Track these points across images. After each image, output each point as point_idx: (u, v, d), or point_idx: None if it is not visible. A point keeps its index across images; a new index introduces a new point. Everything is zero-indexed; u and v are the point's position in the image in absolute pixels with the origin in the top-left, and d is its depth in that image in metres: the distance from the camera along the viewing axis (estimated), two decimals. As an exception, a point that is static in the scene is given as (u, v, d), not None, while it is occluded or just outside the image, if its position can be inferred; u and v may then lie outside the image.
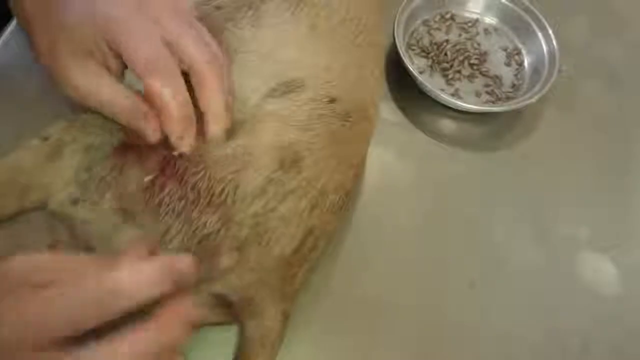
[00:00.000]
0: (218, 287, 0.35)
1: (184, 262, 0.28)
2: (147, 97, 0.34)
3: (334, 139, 0.38)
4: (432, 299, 0.46)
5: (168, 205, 0.33)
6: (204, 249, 0.33)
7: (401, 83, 0.56)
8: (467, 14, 0.62)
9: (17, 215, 0.36)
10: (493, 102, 0.57)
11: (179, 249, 0.33)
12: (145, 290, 0.26)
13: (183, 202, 0.33)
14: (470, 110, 0.55)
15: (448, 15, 0.61)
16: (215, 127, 0.35)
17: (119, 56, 0.35)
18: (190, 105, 0.34)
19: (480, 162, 0.54)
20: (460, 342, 0.45)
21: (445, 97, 0.54)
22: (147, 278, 0.26)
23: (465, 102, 0.54)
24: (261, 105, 0.38)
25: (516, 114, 0.57)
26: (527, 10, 0.59)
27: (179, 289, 0.27)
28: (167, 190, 0.34)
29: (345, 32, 0.43)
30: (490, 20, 0.62)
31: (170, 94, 0.33)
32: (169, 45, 0.34)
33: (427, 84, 0.54)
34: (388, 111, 0.55)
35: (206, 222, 0.33)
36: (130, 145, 0.36)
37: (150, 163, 0.35)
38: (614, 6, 0.67)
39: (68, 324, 0.25)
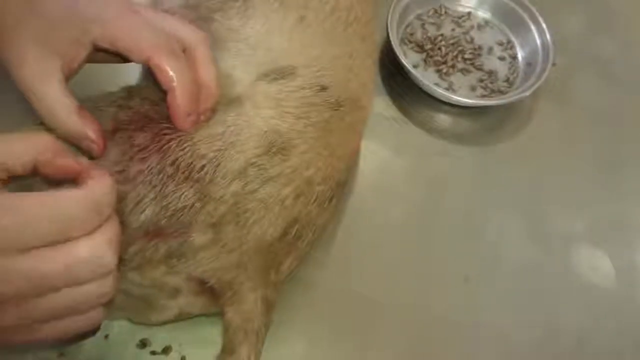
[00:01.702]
0: (193, 268, 0.34)
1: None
2: (156, 77, 0.34)
3: (325, 129, 0.38)
4: (426, 296, 0.46)
5: (145, 176, 0.33)
6: (176, 223, 0.33)
7: (395, 78, 0.56)
8: (460, 8, 0.62)
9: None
10: (487, 96, 0.56)
11: (150, 220, 0.33)
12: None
13: (161, 175, 0.33)
14: (465, 105, 0.55)
15: (442, 10, 0.61)
16: (209, 102, 0.35)
17: (86, 57, 0.34)
18: (195, 83, 0.34)
19: (475, 156, 0.54)
20: (455, 338, 0.45)
21: (440, 92, 0.53)
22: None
23: (459, 96, 0.54)
24: (254, 88, 0.37)
25: (510, 108, 0.57)
26: (520, 4, 0.59)
27: None
28: (147, 164, 0.34)
29: (335, 22, 0.42)
30: (483, 14, 0.62)
31: (178, 72, 0.33)
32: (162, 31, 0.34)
33: (421, 78, 0.53)
34: (382, 106, 0.55)
35: (181, 195, 0.33)
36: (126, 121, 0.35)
37: (140, 138, 0.34)
38: (610, 1, 0.67)
39: None
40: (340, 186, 0.41)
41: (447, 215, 0.50)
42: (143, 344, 0.41)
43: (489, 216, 0.51)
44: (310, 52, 0.40)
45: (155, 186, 0.33)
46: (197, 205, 0.33)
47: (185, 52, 0.35)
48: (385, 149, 0.53)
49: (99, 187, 0.28)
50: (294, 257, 0.38)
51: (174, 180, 0.33)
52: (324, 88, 0.39)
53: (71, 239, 0.26)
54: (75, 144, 0.34)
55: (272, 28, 0.40)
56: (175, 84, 0.33)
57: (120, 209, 0.32)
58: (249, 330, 0.35)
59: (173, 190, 0.33)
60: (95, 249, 0.27)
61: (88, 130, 0.33)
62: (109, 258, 0.28)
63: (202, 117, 0.35)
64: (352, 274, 0.46)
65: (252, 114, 0.36)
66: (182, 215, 0.33)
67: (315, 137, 0.37)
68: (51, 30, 0.33)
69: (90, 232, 0.27)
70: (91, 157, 0.34)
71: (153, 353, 0.41)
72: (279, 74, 0.38)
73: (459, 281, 0.47)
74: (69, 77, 0.34)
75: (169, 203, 0.33)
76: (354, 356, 0.43)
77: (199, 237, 0.34)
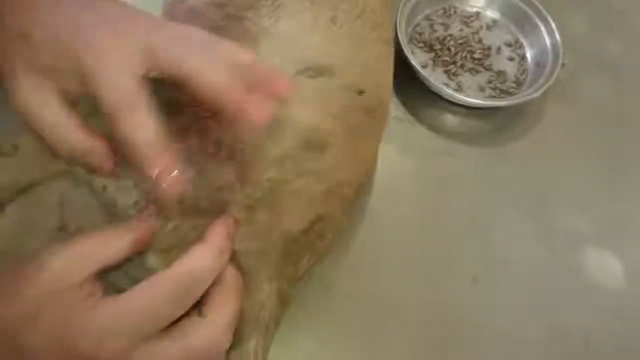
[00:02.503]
0: None
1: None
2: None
3: (357, 133, 0.38)
4: (434, 296, 0.46)
5: (186, 153, 0.33)
6: (214, 202, 0.33)
7: (403, 77, 0.56)
8: (469, 8, 0.62)
9: (35, 186, 0.36)
10: (496, 97, 0.56)
11: (189, 198, 0.33)
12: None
13: (202, 153, 0.33)
14: (473, 105, 0.54)
15: (451, 10, 0.61)
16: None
17: (79, 85, 0.31)
18: (159, 137, 0.29)
19: (483, 157, 0.54)
20: (463, 338, 0.45)
21: (448, 92, 0.53)
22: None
23: (468, 97, 0.54)
24: (294, 82, 0.37)
25: (519, 108, 0.56)
26: (529, 3, 0.59)
27: None
28: (188, 142, 0.33)
29: (363, 25, 0.42)
30: (492, 14, 0.62)
31: (140, 137, 0.29)
32: (152, 52, 0.30)
33: (429, 78, 0.53)
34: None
35: (222, 174, 0.33)
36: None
37: (177, 122, 0.34)
38: (617, 0, 0.67)
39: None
40: (360, 189, 0.41)
41: (454, 216, 0.50)
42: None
43: (496, 217, 0.51)
44: (344, 54, 0.40)
45: (196, 162, 0.33)
46: (237, 185, 0.33)
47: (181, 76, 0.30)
48: (392, 148, 0.53)
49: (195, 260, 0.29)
50: (311, 256, 0.38)
51: (215, 158, 0.33)
52: (361, 92, 0.39)
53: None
54: (85, 164, 0.32)
55: (306, 27, 0.40)
56: (134, 150, 0.29)
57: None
58: (261, 321, 0.35)
59: (214, 168, 0.33)
60: (212, 339, 0.28)
61: (94, 143, 0.31)
62: (227, 346, 0.29)
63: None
64: (358, 274, 0.46)
65: (293, 107, 0.36)
66: (220, 194, 0.33)
67: (348, 140, 0.37)
68: (40, 55, 0.30)
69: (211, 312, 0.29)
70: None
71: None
72: (318, 71, 0.38)
73: (467, 282, 0.47)
74: (70, 98, 0.31)
75: (210, 180, 0.33)
76: (362, 356, 0.43)
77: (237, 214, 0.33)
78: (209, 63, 0.29)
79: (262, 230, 0.34)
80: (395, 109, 0.55)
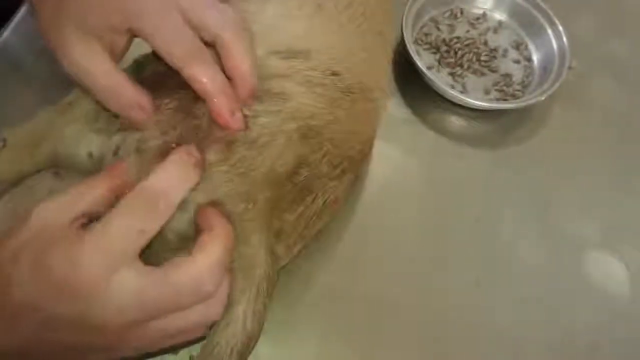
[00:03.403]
0: (203, 193, 0.35)
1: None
2: (190, 85, 0.35)
3: (332, 103, 0.39)
4: (437, 298, 0.46)
5: (168, 104, 0.35)
6: (194, 134, 0.34)
7: (409, 79, 0.56)
8: (475, 10, 0.62)
9: (24, 178, 0.38)
10: (501, 100, 0.56)
11: (171, 139, 0.34)
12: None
13: (185, 99, 0.35)
14: (479, 108, 0.54)
15: (457, 11, 0.61)
16: (246, 92, 0.35)
17: (126, 43, 0.35)
18: (228, 85, 0.35)
19: (488, 160, 0.54)
20: (466, 341, 0.45)
21: (453, 94, 0.53)
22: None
23: (473, 99, 0.53)
24: (263, 61, 0.38)
25: (525, 111, 0.56)
26: (536, 6, 0.59)
27: None
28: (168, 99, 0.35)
29: (351, 16, 0.42)
30: (499, 16, 0.61)
31: (211, 80, 0.34)
32: (191, 22, 0.34)
33: (435, 79, 0.53)
34: (395, 107, 0.55)
35: (201, 111, 0.35)
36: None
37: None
38: (624, 3, 0.67)
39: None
40: (353, 165, 0.41)
41: (459, 218, 0.50)
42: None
43: (502, 219, 0.51)
44: (325, 41, 0.40)
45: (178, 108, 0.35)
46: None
47: (215, 43, 0.35)
48: (397, 150, 0.53)
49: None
50: (302, 217, 0.38)
51: (196, 102, 0.35)
52: (335, 73, 0.39)
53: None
54: (123, 114, 0.35)
55: (289, 14, 0.41)
56: (210, 92, 0.34)
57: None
58: (249, 279, 0.34)
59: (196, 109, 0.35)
60: (195, 278, 0.30)
61: (142, 98, 0.34)
62: (209, 287, 0.30)
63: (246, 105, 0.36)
64: (363, 275, 0.46)
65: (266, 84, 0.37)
66: (200, 129, 0.34)
67: (318, 101, 0.38)
68: (89, 15, 0.33)
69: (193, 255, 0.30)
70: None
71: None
72: (292, 54, 0.39)
73: (470, 284, 0.47)
74: (120, 54, 0.35)
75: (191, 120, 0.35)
76: (364, 357, 0.43)
77: (212, 155, 0.34)
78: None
79: (243, 168, 0.35)
80: (400, 110, 0.55)
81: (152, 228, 0.29)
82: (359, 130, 0.42)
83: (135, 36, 0.35)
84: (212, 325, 0.33)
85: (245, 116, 0.35)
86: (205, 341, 0.34)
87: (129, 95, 0.34)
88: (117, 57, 0.35)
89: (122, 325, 0.28)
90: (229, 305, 0.34)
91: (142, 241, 0.29)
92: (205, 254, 0.30)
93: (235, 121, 0.35)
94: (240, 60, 0.35)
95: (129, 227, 0.29)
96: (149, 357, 0.35)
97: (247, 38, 0.35)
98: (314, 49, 0.39)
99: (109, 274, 0.28)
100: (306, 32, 0.40)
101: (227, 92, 0.34)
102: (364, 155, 0.44)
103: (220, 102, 0.34)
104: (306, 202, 0.38)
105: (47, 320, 0.28)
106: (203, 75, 0.33)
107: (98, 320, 0.28)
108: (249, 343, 0.34)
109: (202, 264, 0.30)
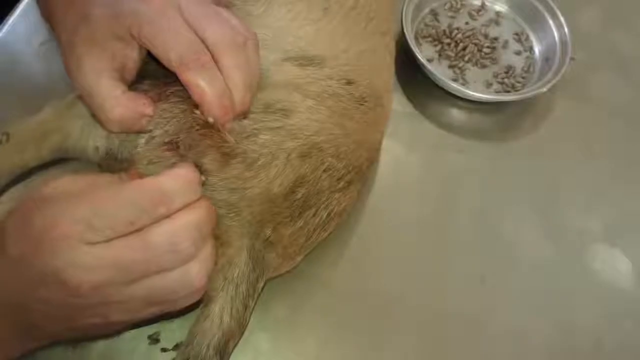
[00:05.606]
0: None
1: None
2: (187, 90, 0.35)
3: (342, 114, 0.38)
4: (442, 295, 0.45)
5: (171, 100, 0.35)
6: (193, 140, 0.34)
7: (410, 72, 0.55)
8: (476, 1, 0.61)
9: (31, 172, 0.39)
10: (503, 92, 0.55)
11: (172, 132, 0.35)
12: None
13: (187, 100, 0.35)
14: (480, 100, 0.54)
15: (457, 3, 0.60)
16: (242, 107, 0.35)
17: (137, 55, 0.35)
18: (226, 91, 0.34)
19: (490, 152, 0.53)
20: (471, 337, 0.44)
21: (455, 87, 0.53)
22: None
23: (474, 92, 0.53)
24: (279, 67, 0.38)
25: (527, 103, 0.56)
26: (537, -4, 0.58)
27: None
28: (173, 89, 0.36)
29: (356, 18, 0.42)
30: (500, 7, 0.61)
31: (207, 85, 0.33)
32: (192, 28, 0.34)
33: (435, 72, 0.53)
34: (396, 101, 0.54)
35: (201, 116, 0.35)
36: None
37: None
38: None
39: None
40: (360, 174, 0.40)
41: (462, 213, 0.50)
42: (154, 340, 0.41)
43: (504, 214, 0.50)
44: (337, 45, 0.40)
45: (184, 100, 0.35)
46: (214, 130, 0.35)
47: (212, 55, 0.34)
48: (399, 144, 0.52)
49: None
50: (303, 231, 0.38)
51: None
52: (350, 82, 0.39)
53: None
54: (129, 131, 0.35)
55: (298, 16, 0.40)
56: (205, 98, 0.34)
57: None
58: (228, 278, 0.35)
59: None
60: (170, 236, 0.30)
61: (143, 108, 0.35)
62: (185, 244, 0.30)
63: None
64: (366, 273, 0.46)
65: (273, 88, 0.37)
66: (198, 132, 0.35)
67: (327, 115, 0.37)
68: (97, 30, 0.34)
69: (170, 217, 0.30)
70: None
71: (164, 350, 0.41)
72: (308, 61, 0.38)
73: (475, 281, 0.46)
74: (127, 74, 0.35)
75: (192, 119, 0.35)
76: (367, 355, 0.43)
77: (208, 163, 0.34)
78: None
79: (236, 183, 0.35)
80: (401, 104, 0.54)
81: (141, 224, 0.29)
82: (368, 139, 0.41)
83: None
84: (185, 309, 0.33)
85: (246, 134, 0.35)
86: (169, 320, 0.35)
87: (120, 114, 0.34)
88: (130, 72, 0.36)
89: (98, 284, 0.28)
90: (207, 301, 0.34)
91: (126, 231, 0.29)
92: (181, 215, 0.30)
93: (225, 129, 0.35)
94: (233, 79, 0.34)
95: (119, 215, 0.29)
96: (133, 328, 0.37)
97: (242, 54, 0.35)
98: (328, 56, 0.39)
99: (84, 233, 0.28)
100: (316, 36, 0.40)
101: (222, 101, 0.34)
102: (372, 162, 0.44)
103: (213, 109, 0.34)
104: (305, 216, 0.37)
105: (33, 275, 0.28)
106: (198, 81, 0.33)
107: (73, 279, 0.28)
108: (227, 341, 0.35)
109: (178, 222, 0.30)
